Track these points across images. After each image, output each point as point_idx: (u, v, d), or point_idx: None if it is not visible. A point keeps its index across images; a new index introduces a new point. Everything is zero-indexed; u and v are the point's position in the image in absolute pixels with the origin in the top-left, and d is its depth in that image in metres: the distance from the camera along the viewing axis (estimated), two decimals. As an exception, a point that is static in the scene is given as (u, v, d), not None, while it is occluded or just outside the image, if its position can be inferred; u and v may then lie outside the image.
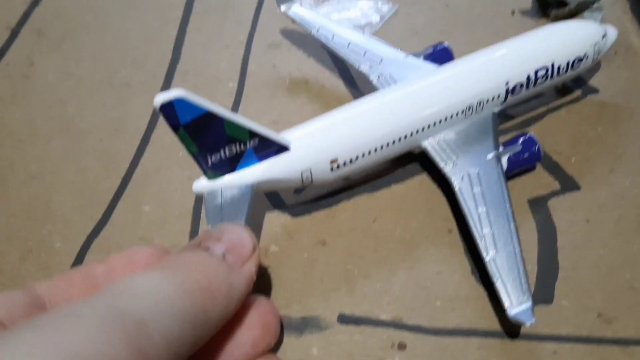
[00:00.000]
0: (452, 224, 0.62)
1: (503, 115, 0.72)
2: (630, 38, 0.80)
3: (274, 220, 0.63)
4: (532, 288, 0.58)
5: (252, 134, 0.53)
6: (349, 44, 0.73)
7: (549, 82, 0.68)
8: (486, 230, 0.57)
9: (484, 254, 0.56)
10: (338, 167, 0.59)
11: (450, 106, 0.63)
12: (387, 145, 0.61)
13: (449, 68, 0.66)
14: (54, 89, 0.77)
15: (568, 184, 0.65)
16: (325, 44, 0.74)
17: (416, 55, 0.71)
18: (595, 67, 0.77)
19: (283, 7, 0.78)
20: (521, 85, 0.65)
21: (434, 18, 0.85)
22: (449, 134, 0.64)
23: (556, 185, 0.65)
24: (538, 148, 0.64)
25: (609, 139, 0.69)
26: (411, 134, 0.62)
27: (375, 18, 0.84)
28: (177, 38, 0.83)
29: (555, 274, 0.58)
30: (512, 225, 0.57)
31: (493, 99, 0.64)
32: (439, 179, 0.65)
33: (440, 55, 0.72)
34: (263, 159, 0.56)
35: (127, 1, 0.88)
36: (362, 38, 0.74)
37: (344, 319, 0.56)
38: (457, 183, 0.61)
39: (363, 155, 0.60)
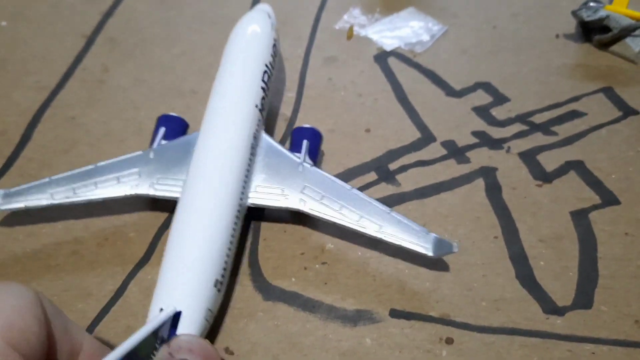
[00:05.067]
0: (498, 232, 0.67)
1: (548, 132, 0.76)
2: (671, 64, 0.84)
3: (330, 221, 0.68)
4: (573, 294, 0.61)
5: (152, 340, 0.45)
6: (95, 183, 0.66)
7: (272, 79, 0.73)
8: (357, 217, 0.61)
9: (374, 234, 0.60)
10: (221, 284, 0.56)
11: (243, 161, 0.63)
12: (232, 235, 0.59)
13: (208, 130, 0.65)
14: (127, 93, 0.83)
15: (608, 198, 0.69)
16: (70, 203, 0.65)
17: (157, 144, 0.68)
18: (636, 90, 0.81)
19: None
20: (263, 98, 0.69)
21: (481, 39, 0.90)
22: (259, 177, 0.65)
23: (597, 199, 0.69)
24: (311, 129, 0.69)
25: (648, 159, 0.73)
26: (240, 206, 0.61)
27: (425, 37, 0.90)
28: (240, 50, 0.89)
29: (595, 282, 0.62)
30: (368, 198, 0.62)
31: (258, 125, 0.67)
32: (487, 188, 0.70)
33: (170, 125, 0.71)
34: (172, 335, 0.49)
35: (193, 16, 0.95)
36: (106, 162, 0.67)
37: (395, 314, 0.60)
38: (303, 207, 0.63)
39: (228, 256, 0.58)
